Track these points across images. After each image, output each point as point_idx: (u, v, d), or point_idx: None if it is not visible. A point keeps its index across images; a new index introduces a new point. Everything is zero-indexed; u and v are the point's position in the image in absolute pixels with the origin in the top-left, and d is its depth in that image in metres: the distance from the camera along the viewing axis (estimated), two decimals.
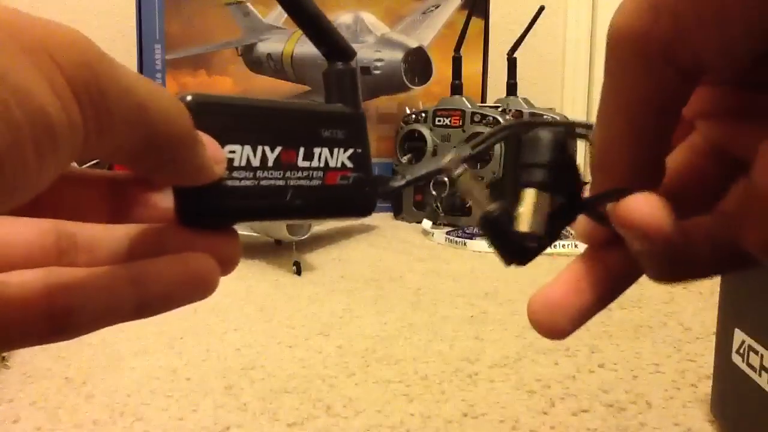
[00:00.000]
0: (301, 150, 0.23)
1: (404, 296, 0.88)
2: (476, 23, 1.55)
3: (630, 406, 0.57)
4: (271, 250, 1.10)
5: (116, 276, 0.20)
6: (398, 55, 1.55)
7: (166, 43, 1.52)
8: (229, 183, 0.21)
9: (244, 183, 0.21)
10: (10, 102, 0.12)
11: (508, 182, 1.33)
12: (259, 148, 0.22)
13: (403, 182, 0.25)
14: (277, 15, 1.57)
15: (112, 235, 0.22)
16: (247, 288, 0.92)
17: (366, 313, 0.81)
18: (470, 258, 1.11)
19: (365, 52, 1.55)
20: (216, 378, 0.62)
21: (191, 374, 0.63)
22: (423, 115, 1.41)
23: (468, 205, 1.34)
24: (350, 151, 0.24)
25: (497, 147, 1.30)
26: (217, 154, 0.20)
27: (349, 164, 0.24)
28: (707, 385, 0.56)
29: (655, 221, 0.18)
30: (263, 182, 0.22)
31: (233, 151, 0.21)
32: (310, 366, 0.65)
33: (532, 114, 1.39)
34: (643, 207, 0.18)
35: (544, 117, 1.38)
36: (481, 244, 1.17)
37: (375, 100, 1.56)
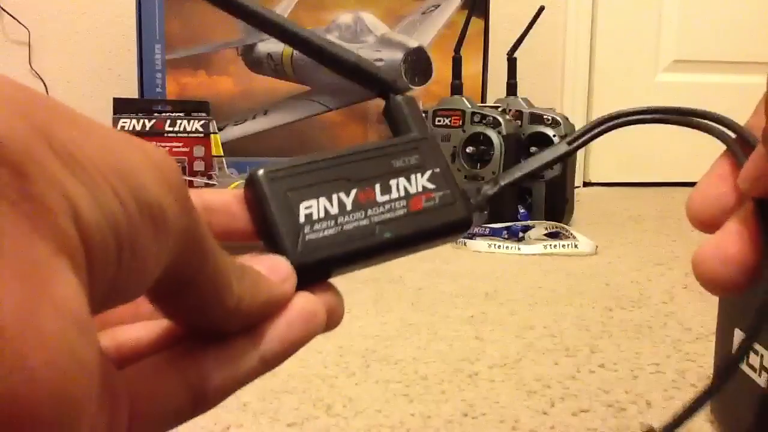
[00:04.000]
0: (377, 186, 0.22)
1: (404, 296, 0.88)
2: (476, 23, 1.55)
3: (630, 406, 0.57)
4: None
5: (242, 346, 0.20)
6: (398, 55, 1.55)
7: (166, 43, 1.52)
8: (312, 237, 0.21)
9: (327, 232, 0.21)
10: (127, 195, 0.14)
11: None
12: (335, 196, 0.21)
13: (497, 188, 0.24)
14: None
15: None
16: None
17: (366, 314, 0.81)
18: (470, 258, 1.11)
19: (365, 52, 1.55)
20: None
21: None
22: (423, 115, 1.41)
23: None
24: (428, 173, 0.23)
25: (497, 147, 1.30)
26: (280, 272, 0.20)
27: (430, 186, 0.23)
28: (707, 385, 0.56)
29: None
30: (346, 226, 0.21)
31: (309, 206, 0.21)
32: (310, 366, 0.65)
33: (532, 114, 1.39)
34: None
35: (544, 117, 1.38)
36: (481, 244, 1.17)
37: (375, 100, 1.56)
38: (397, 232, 0.22)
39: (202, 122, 1.43)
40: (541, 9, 1.44)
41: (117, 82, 1.74)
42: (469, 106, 1.36)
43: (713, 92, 1.93)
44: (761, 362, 0.44)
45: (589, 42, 1.96)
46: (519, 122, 1.39)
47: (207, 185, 1.38)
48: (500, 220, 1.27)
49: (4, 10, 1.71)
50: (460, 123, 1.35)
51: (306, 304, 0.21)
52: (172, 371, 0.19)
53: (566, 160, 0.26)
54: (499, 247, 1.15)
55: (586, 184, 1.97)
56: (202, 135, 1.43)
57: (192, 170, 1.45)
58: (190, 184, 1.44)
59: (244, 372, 0.20)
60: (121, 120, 1.41)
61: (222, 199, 0.21)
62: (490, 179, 0.24)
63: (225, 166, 1.33)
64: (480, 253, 1.14)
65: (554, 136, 1.36)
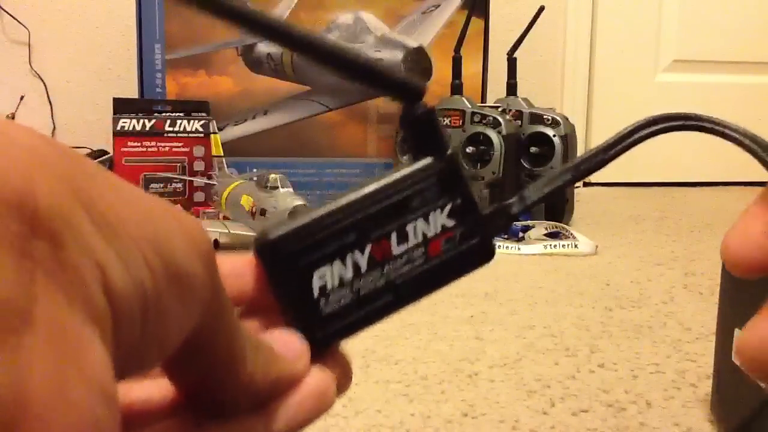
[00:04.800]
0: (393, 235, 0.21)
1: None
2: (476, 23, 1.55)
3: (630, 406, 0.57)
4: None
5: (251, 425, 0.19)
6: (398, 55, 1.55)
7: (166, 43, 1.52)
8: (328, 310, 0.20)
9: (343, 302, 0.20)
10: (155, 260, 0.14)
11: (508, 182, 1.33)
12: (348, 257, 0.20)
13: (524, 205, 0.22)
14: (277, 15, 1.57)
15: None
16: None
17: None
18: None
19: (365, 53, 1.55)
20: None
21: None
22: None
23: None
24: (448, 206, 0.21)
25: (497, 147, 1.30)
26: (294, 348, 0.20)
27: (450, 223, 0.21)
28: (707, 385, 0.56)
29: None
30: (363, 291, 0.20)
31: (323, 275, 0.20)
32: None
33: (532, 114, 1.39)
34: None
35: (544, 117, 1.38)
36: None
37: (375, 100, 1.56)
38: (416, 286, 0.21)
39: (202, 122, 1.43)
40: (541, 9, 1.44)
41: (117, 82, 1.74)
42: (469, 106, 1.36)
43: (713, 92, 1.93)
44: None
45: (589, 42, 1.96)
46: (519, 122, 1.39)
47: (207, 185, 1.38)
48: None
49: (4, 10, 1.71)
50: (460, 123, 1.35)
51: (319, 382, 0.20)
52: None
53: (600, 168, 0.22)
54: (499, 247, 1.15)
55: (586, 184, 1.97)
56: (202, 135, 1.43)
57: (192, 170, 1.45)
58: (190, 184, 1.44)
59: None
60: (121, 120, 1.41)
61: (234, 264, 0.20)
62: (516, 196, 0.22)
63: (225, 166, 1.33)
64: None
65: (554, 136, 1.36)
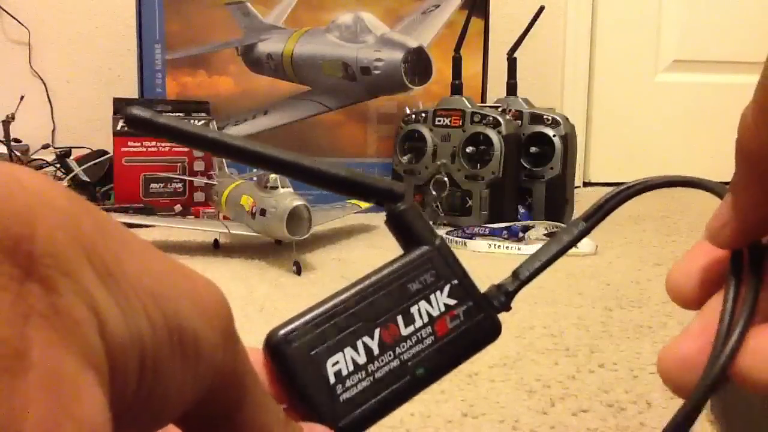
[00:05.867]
0: (399, 319, 0.21)
1: None
2: (476, 23, 1.55)
3: (630, 406, 0.57)
4: (271, 250, 1.09)
5: None
6: (398, 55, 1.55)
7: (166, 43, 1.52)
8: (347, 396, 0.20)
9: (360, 386, 0.20)
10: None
11: (507, 182, 1.33)
12: (359, 343, 0.21)
13: (517, 284, 0.24)
14: (277, 15, 1.57)
15: None
16: (247, 288, 0.92)
17: None
18: (470, 258, 1.10)
19: (365, 52, 1.55)
20: None
21: None
22: (423, 115, 1.41)
23: (468, 205, 1.34)
24: (446, 288, 0.22)
25: (497, 147, 1.30)
26: None
27: (451, 302, 0.22)
28: None
29: None
30: (378, 374, 0.21)
31: (336, 362, 0.20)
32: None
33: (532, 114, 1.40)
34: None
35: (544, 117, 1.38)
36: (481, 244, 1.17)
37: (375, 100, 1.56)
38: (431, 365, 0.21)
39: (202, 122, 1.43)
40: (541, 9, 1.44)
41: (117, 82, 1.74)
42: (469, 106, 1.36)
43: (713, 92, 1.93)
44: None
45: (589, 42, 1.96)
46: (519, 122, 1.39)
47: (207, 185, 1.38)
48: (500, 220, 1.27)
49: (4, 10, 1.71)
50: (460, 123, 1.35)
51: None
52: None
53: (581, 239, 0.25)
54: (499, 247, 1.15)
55: (586, 184, 1.97)
56: None
57: (192, 170, 1.45)
58: (190, 184, 1.44)
59: None
60: (121, 120, 1.41)
61: (255, 356, 0.20)
62: (509, 277, 0.24)
63: (225, 166, 1.33)
64: (480, 253, 1.14)
65: (554, 136, 1.36)
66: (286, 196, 1.00)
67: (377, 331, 0.21)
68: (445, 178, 1.35)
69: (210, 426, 0.17)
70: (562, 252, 0.25)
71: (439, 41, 1.58)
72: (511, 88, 1.48)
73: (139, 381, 0.13)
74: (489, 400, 0.58)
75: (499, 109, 1.39)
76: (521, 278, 0.24)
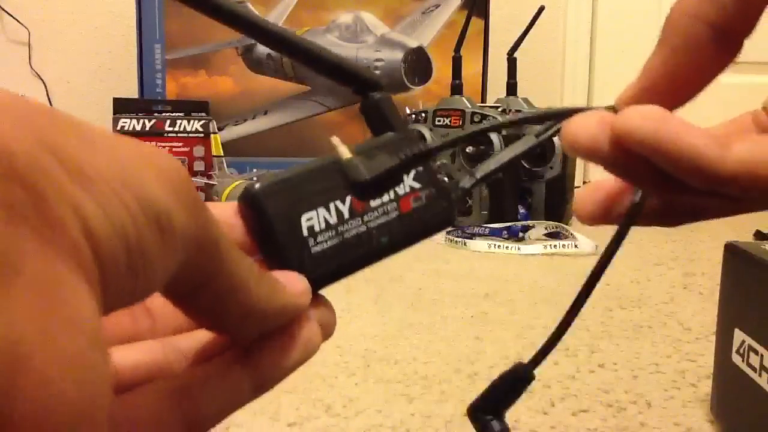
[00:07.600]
0: None
1: (404, 296, 0.88)
2: (476, 23, 1.55)
3: (630, 406, 0.57)
4: None
5: (231, 366, 0.20)
6: (398, 55, 1.55)
7: (166, 43, 1.52)
8: (317, 249, 0.22)
9: (330, 243, 0.22)
10: (133, 204, 0.14)
11: (507, 182, 1.33)
12: (332, 205, 0.22)
13: (474, 181, 0.26)
14: (278, 15, 1.57)
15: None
16: None
17: (366, 313, 0.81)
18: (470, 258, 1.11)
19: (365, 52, 1.55)
20: None
21: None
22: (423, 115, 1.41)
23: (468, 205, 1.34)
24: (413, 172, 0.24)
25: (497, 147, 1.30)
26: (297, 286, 0.21)
27: (416, 185, 0.24)
28: (707, 385, 0.56)
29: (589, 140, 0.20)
30: (347, 235, 0.22)
31: (310, 218, 0.22)
32: (310, 366, 0.65)
33: None
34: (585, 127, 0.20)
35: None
36: (481, 244, 1.17)
37: None
38: (393, 236, 0.23)
39: (202, 122, 1.43)
40: (541, 9, 1.44)
41: (117, 82, 1.74)
42: (469, 106, 1.36)
43: (713, 92, 1.92)
44: (761, 362, 0.44)
45: (589, 42, 1.96)
46: None
47: (207, 185, 1.38)
48: (500, 220, 1.27)
49: (4, 10, 1.71)
50: (460, 123, 1.35)
51: (304, 330, 0.21)
52: (169, 403, 0.19)
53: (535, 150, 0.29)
54: (499, 247, 1.15)
55: (586, 184, 1.98)
56: (202, 135, 1.43)
57: (192, 170, 1.45)
58: None
59: (238, 401, 0.20)
60: (121, 120, 1.41)
61: (219, 211, 0.21)
62: (467, 173, 0.26)
63: (225, 166, 1.33)
64: (480, 253, 1.14)
65: (554, 136, 1.36)
66: None
67: (348, 198, 0.22)
68: (445, 178, 1.34)
69: (192, 289, 0.17)
70: (516, 159, 0.28)
71: (439, 41, 1.58)
72: (511, 88, 1.48)
73: (128, 269, 0.14)
74: None
75: (499, 109, 1.39)
76: (477, 177, 0.26)
